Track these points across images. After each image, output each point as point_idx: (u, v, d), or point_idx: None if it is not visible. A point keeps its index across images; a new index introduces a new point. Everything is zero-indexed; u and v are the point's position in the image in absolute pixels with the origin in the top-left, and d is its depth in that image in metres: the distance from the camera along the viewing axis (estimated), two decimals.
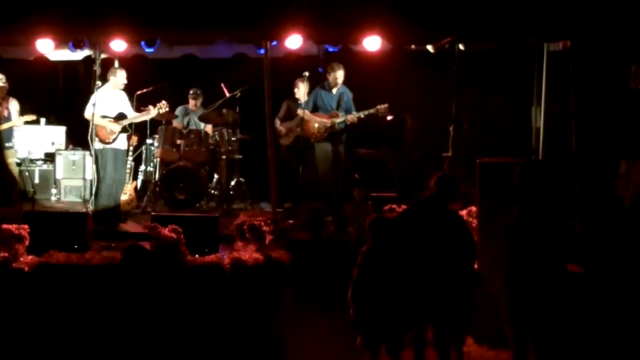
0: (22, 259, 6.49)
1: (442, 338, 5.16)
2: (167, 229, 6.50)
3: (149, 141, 9.83)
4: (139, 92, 9.29)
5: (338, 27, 7.39)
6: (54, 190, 10.27)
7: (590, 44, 6.72)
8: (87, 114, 8.42)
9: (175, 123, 9.86)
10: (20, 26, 7.47)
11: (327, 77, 8.80)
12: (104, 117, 8.48)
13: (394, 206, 7.15)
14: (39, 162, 10.41)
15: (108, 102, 8.57)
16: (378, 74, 9.07)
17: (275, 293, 6.40)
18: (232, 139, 9.69)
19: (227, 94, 9.70)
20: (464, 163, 7.68)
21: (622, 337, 5.44)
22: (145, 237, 6.74)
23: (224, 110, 9.60)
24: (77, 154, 10.29)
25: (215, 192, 9.63)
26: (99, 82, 8.57)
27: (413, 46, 8.63)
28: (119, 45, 7.93)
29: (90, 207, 8.44)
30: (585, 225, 6.11)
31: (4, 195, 8.76)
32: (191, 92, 10.05)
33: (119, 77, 8.63)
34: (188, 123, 10.00)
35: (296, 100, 9.37)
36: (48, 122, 10.78)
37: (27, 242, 6.61)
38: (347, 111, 8.73)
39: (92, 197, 8.62)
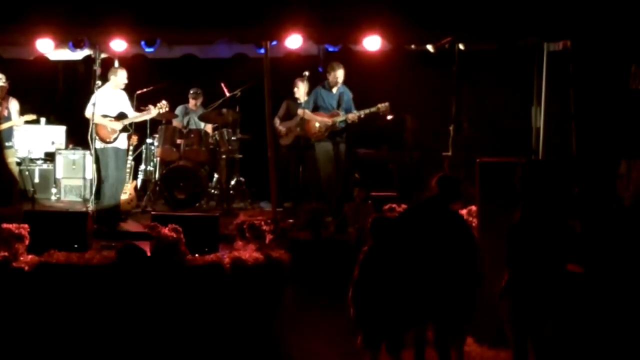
0: (22, 258, 6.48)
1: (442, 338, 5.16)
2: (167, 228, 6.50)
3: (149, 141, 9.84)
4: (139, 92, 9.30)
5: (338, 27, 7.39)
6: (54, 190, 10.28)
7: (590, 44, 6.71)
8: (88, 113, 8.43)
9: (175, 123, 9.87)
10: (20, 26, 7.47)
11: (327, 76, 8.80)
12: (105, 116, 8.49)
13: (394, 206, 7.15)
14: (39, 162, 10.42)
15: (109, 101, 8.58)
16: (378, 73, 9.07)
17: (275, 293, 6.40)
18: (232, 138, 9.70)
19: (227, 94, 9.71)
20: (464, 163, 7.68)
21: (622, 337, 5.44)
22: (145, 236, 6.75)
23: (224, 110, 9.61)
24: (77, 154, 10.30)
25: (215, 192, 9.63)
26: (99, 82, 8.57)
27: (413, 46, 8.63)
28: (119, 45, 7.93)
29: (91, 207, 8.45)
30: (585, 225, 6.11)
31: (4, 195, 8.77)
32: (191, 91, 10.06)
33: (119, 77, 8.64)
34: (188, 123, 10.01)
35: (296, 100, 9.38)
36: (48, 122, 10.79)
37: (27, 242, 6.61)
38: (347, 110, 8.73)
39: (92, 196, 8.64)
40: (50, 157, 10.48)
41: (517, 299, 4.79)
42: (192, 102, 10.08)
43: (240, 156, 9.85)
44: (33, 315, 6.23)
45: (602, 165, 6.57)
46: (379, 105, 8.53)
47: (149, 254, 6.54)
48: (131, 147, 9.18)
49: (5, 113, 8.94)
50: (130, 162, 9.25)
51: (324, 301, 6.13)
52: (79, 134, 9.80)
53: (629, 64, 6.61)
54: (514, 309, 4.80)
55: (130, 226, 8.46)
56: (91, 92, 8.56)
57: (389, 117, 9.55)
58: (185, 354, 6.10)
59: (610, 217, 6.38)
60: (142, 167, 9.98)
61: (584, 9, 6.71)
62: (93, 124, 8.38)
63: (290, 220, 7.61)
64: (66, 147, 10.52)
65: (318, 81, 9.01)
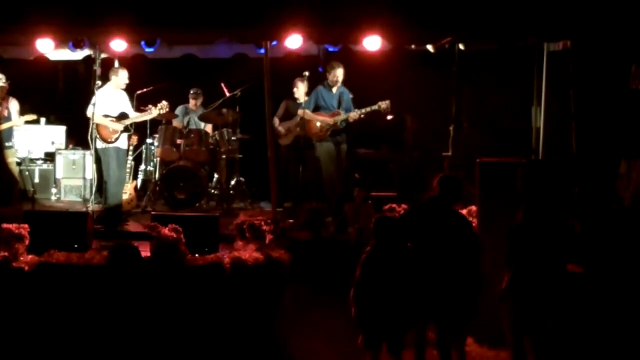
0: (22, 258, 6.48)
1: (444, 338, 5.15)
2: (167, 228, 6.50)
3: (149, 141, 9.84)
4: (139, 92, 9.30)
5: (338, 27, 7.39)
6: (54, 190, 10.28)
7: (590, 44, 6.71)
8: (90, 113, 8.44)
9: (176, 123, 9.87)
10: (20, 26, 7.47)
11: (327, 75, 8.80)
12: (106, 116, 8.50)
13: (394, 206, 7.15)
14: (39, 162, 10.42)
15: (110, 101, 8.60)
16: (378, 73, 9.07)
17: (275, 292, 6.40)
18: (232, 138, 9.70)
19: (227, 94, 9.71)
20: (464, 163, 7.68)
21: (622, 337, 5.44)
22: (145, 236, 6.75)
23: (224, 110, 9.61)
24: (77, 154, 10.30)
25: (215, 192, 9.64)
26: (99, 82, 8.58)
27: (413, 46, 8.62)
28: (119, 45, 7.93)
29: (90, 207, 8.45)
30: (585, 225, 6.11)
31: (4, 195, 8.77)
32: (191, 91, 10.06)
33: (120, 77, 8.65)
34: (188, 123, 10.01)
35: (295, 99, 9.38)
36: (48, 122, 10.80)
37: (27, 242, 6.61)
38: (347, 110, 8.73)
39: (92, 196, 8.65)
40: (50, 157, 10.48)
41: (517, 299, 4.78)
42: (192, 102, 10.09)
43: (240, 156, 9.85)
44: (33, 315, 6.23)
45: (602, 165, 6.56)
46: (380, 103, 8.53)
47: (148, 254, 6.55)
48: (131, 147, 9.18)
49: (5, 113, 8.95)
50: (130, 162, 9.25)
51: (324, 301, 6.13)
52: (79, 134, 9.81)
53: (629, 64, 6.61)
54: (514, 308, 4.80)
55: (130, 226, 8.46)
56: (91, 92, 8.57)
57: (389, 117, 9.55)
58: (185, 354, 6.09)
59: (610, 217, 6.37)
60: (142, 167, 9.98)
61: (584, 9, 6.71)
62: (93, 123, 8.39)
63: (290, 220, 7.61)
64: (66, 147, 10.53)
65: (318, 81, 9.01)
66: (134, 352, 6.04)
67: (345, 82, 8.86)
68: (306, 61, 9.36)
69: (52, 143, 10.55)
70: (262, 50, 7.74)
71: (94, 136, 8.43)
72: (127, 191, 9.09)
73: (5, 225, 6.62)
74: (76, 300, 6.27)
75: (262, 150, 7.77)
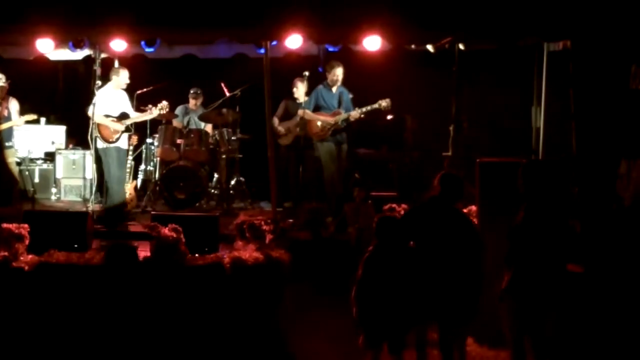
0: (22, 258, 6.48)
1: (446, 338, 5.15)
2: (167, 228, 6.50)
3: (149, 140, 9.84)
4: (139, 92, 9.30)
5: (338, 27, 7.39)
6: (54, 190, 10.28)
7: (590, 44, 6.71)
8: (91, 113, 8.44)
9: (176, 122, 9.87)
10: (20, 26, 7.47)
11: (327, 75, 8.80)
12: (108, 116, 8.50)
13: (394, 206, 7.15)
14: (39, 162, 10.43)
15: (111, 101, 8.60)
16: (378, 73, 9.07)
17: (275, 292, 6.40)
18: (232, 138, 9.71)
19: (227, 94, 9.71)
20: (464, 163, 7.68)
21: (622, 337, 5.44)
22: (146, 236, 6.75)
23: (224, 110, 9.61)
24: (77, 154, 10.30)
25: (215, 192, 9.64)
26: (99, 82, 8.58)
27: (413, 46, 8.63)
28: (119, 45, 7.93)
29: (90, 207, 8.46)
30: (585, 225, 6.11)
31: (4, 195, 8.78)
32: (191, 91, 10.06)
33: (121, 77, 8.66)
34: (188, 122, 10.01)
35: (295, 99, 9.38)
36: (48, 122, 10.80)
37: (27, 242, 6.61)
38: (348, 110, 8.73)
39: (92, 196, 8.65)
40: (50, 157, 10.49)
41: (517, 298, 4.78)
42: (192, 102, 10.09)
43: (240, 156, 9.86)
44: (33, 315, 6.23)
45: (602, 165, 6.56)
46: (380, 102, 8.53)
47: (148, 254, 6.55)
48: (131, 147, 9.18)
49: (5, 113, 8.95)
50: (130, 162, 9.25)
51: (324, 301, 6.13)
52: (79, 134, 9.82)
53: (629, 64, 6.61)
54: (514, 308, 4.80)
55: (130, 226, 8.45)
56: (91, 92, 8.57)
57: (389, 117, 9.55)
58: (185, 353, 6.09)
59: (610, 217, 6.37)
60: (142, 167, 9.98)
61: (584, 9, 6.71)
62: (93, 123, 8.40)
63: (290, 220, 7.60)
64: (66, 147, 10.53)
65: (318, 81, 9.01)
66: (133, 352, 6.04)
67: (345, 82, 8.86)
68: (306, 61, 9.36)
69: (52, 143, 10.55)
70: (262, 50, 7.75)
71: (94, 136, 8.43)
72: (127, 191, 9.08)
73: (5, 225, 6.61)
74: (76, 300, 6.26)
75: (262, 150, 7.77)
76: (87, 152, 9.71)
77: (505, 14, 7.03)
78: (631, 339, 5.41)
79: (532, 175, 4.90)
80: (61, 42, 8.01)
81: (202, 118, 9.83)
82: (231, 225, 7.13)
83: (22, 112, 9.23)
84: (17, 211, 7.73)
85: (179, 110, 10.02)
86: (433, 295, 5.04)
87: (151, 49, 7.92)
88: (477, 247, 5.12)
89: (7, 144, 8.98)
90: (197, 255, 6.59)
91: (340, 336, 5.57)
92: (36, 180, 10.20)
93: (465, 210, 6.69)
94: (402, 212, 6.77)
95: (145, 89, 9.40)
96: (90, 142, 8.49)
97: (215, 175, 9.73)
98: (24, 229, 6.64)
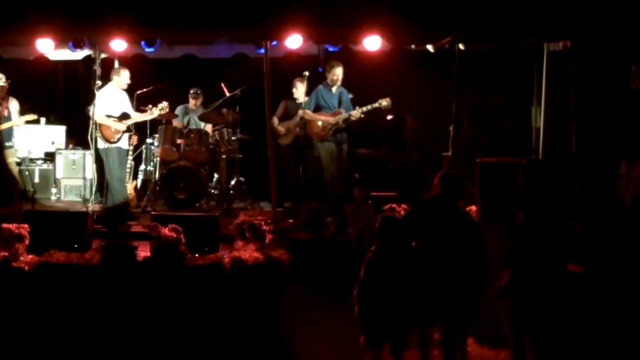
0: (22, 258, 6.49)
1: (449, 338, 5.14)
2: (167, 228, 6.50)
3: (149, 140, 9.84)
4: (139, 92, 9.30)
5: (338, 27, 7.39)
6: (54, 190, 10.28)
7: (590, 44, 6.71)
8: (94, 113, 8.44)
9: (176, 122, 9.87)
10: (20, 26, 7.47)
11: (327, 75, 8.80)
12: (109, 116, 8.50)
13: (394, 206, 7.15)
14: (39, 162, 10.43)
15: (112, 101, 8.61)
16: (378, 73, 9.07)
17: (275, 292, 6.40)
18: (232, 138, 9.71)
19: (227, 94, 9.71)
20: (464, 163, 7.68)
21: (622, 337, 5.44)
22: (146, 236, 6.75)
23: (224, 110, 9.61)
24: (77, 154, 10.30)
25: (215, 192, 9.64)
26: (99, 82, 8.58)
27: (413, 46, 8.62)
28: (119, 45, 7.93)
29: (90, 207, 8.46)
30: (585, 225, 6.11)
31: (4, 195, 8.78)
32: (191, 91, 10.06)
33: (122, 77, 8.66)
34: (188, 122, 10.01)
35: (294, 100, 9.38)
36: (48, 122, 10.79)
37: (27, 242, 6.62)
38: (348, 110, 8.73)
39: (92, 196, 8.66)
40: (50, 157, 10.48)
41: (517, 298, 4.79)
42: (192, 102, 10.08)
43: (240, 156, 9.85)
44: (33, 315, 6.23)
45: (602, 165, 6.56)
46: (381, 101, 8.52)
47: (148, 254, 6.55)
48: (131, 147, 9.18)
49: (5, 113, 8.96)
50: (130, 162, 9.25)
51: (324, 301, 6.13)
52: (79, 134, 9.82)
53: (629, 64, 6.61)
54: (514, 308, 4.80)
55: (131, 226, 8.45)
56: (91, 92, 8.57)
57: (389, 117, 9.55)
58: (185, 353, 6.10)
59: (610, 217, 6.37)
60: (142, 167, 9.98)
61: (584, 9, 6.71)
62: (93, 123, 8.41)
63: (290, 220, 7.61)
64: (66, 147, 10.52)
65: (318, 81, 9.01)
66: (133, 352, 6.04)
67: (345, 82, 8.86)
68: (306, 61, 9.35)
69: (52, 143, 10.55)
70: (262, 50, 7.74)
71: (94, 136, 8.44)
72: (127, 191, 9.08)
73: (5, 225, 6.62)
74: (76, 301, 6.27)
75: (262, 150, 7.77)
76: (87, 152, 9.71)
77: (505, 14, 7.03)
78: (631, 339, 5.41)
79: (532, 175, 4.91)
80: (61, 42, 8.01)
81: (202, 118, 9.83)
82: (231, 225, 7.13)
83: (22, 112, 9.24)
84: (17, 211, 7.73)
85: (179, 110, 10.02)
86: (436, 295, 5.03)
87: (151, 49, 7.91)
88: (479, 245, 5.11)
89: (7, 144, 8.98)
90: (197, 255, 6.60)
91: (340, 336, 5.57)
92: (36, 180, 10.20)
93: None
94: (402, 212, 6.78)
95: (145, 89, 9.40)
96: (90, 142, 8.49)
97: (215, 175, 9.73)
98: (24, 229, 6.65)
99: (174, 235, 6.46)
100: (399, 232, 5.09)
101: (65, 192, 10.26)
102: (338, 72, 8.72)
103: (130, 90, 8.96)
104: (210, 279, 6.36)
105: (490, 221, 5.81)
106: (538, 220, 4.79)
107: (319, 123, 8.75)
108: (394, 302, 4.95)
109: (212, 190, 9.66)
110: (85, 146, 9.33)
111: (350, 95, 8.89)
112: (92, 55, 8.84)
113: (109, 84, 8.67)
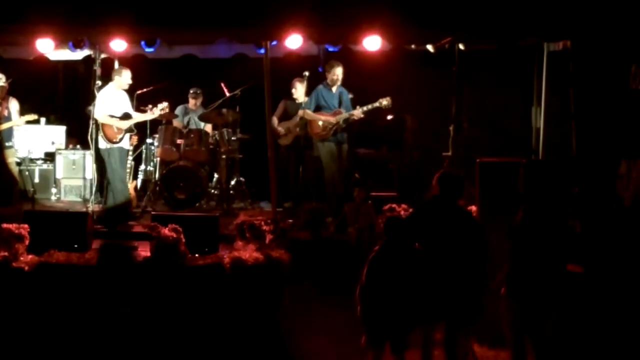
0: (22, 258, 6.50)
1: (452, 338, 5.14)
2: (167, 228, 6.50)
3: (149, 141, 9.84)
4: (139, 92, 9.30)
5: (338, 27, 7.40)
6: (54, 190, 10.28)
7: (590, 44, 6.72)
8: (97, 113, 8.46)
9: (176, 123, 9.87)
10: (20, 26, 7.48)
11: (327, 74, 8.80)
12: (112, 116, 8.51)
13: (394, 206, 7.15)
14: (39, 162, 10.42)
15: (113, 101, 8.61)
16: (378, 74, 9.07)
17: (275, 292, 6.40)
18: (232, 138, 9.70)
19: (227, 94, 9.71)
20: (464, 163, 7.68)
21: (622, 337, 5.44)
22: (146, 236, 6.75)
23: (224, 110, 9.60)
24: (77, 154, 10.30)
25: (215, 192, 9.63)
26: (99, 82, 8.58)
27: (413, 46, 8.63)
28: (119, 45, 7.94)
29: (90, 207, 8.46)
30: (585, 225, 6.11)
31: (4, 195, 8.78)
32: (191, 91, 10.06)
33: (124, 77, 8.65)
34: (188, 122, 10.01)
35: (294, 100, 9.37)
36: (48, 122, 10.79)
37: (27, 242, 6.62)
38: (348, 109, 8.73)
39: (92, 196, 8.66)
40: (50, 157, 10.48)
41: (517, 298, 4.79)
42: (192, 102, 10.08)
43: (240, 156, 9.85)
44: (33, 315, 6.23)
45: (602, 165, 6.57)
46: (381, 100, 8.52)
47: (148, 254, 6.55)
48: (131, 147, 9.18)
49: (6, 113, 8.95)
50: (130, 162, 9.25)
51: (324, 301, 6.14)
52: (79, 134, 9.82)
53: (629, 64, 6.61)
54: (514, 308, 4.80)
55: (131, 226, 8.45)
56: (91, 92, 8.57)
57: (389, 117, 9.54)
58: (185, 353, 6.10)
59: (610, 217, 6.38)
60: (142, 167, 9.98)
61: (584, 9, 6.72)
62: (93, 123, 8.41)
63: (290, 220, 7.61)
64: (66, 147, 10.52)
65: (318, 81, 9.01)
66: (133, 352, 6.04)
67: (345, 82, 8.86)
68: (306, 61, 9.35)
69: (52, 143, 10.54)
70: (262, 50, 7.75)
71: (94, 136, 8.44)
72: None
73: (5, 225, 6.62)
74: (76, 301, 6.27)
75: (262, 150, 7.78)
76: (87, 152, 9.71)
77: (505, 14, 7.03)
78: (631, 339, 5.41)
79: (532, 175, 4.91)
80: (61, 42, 8.01)
81: (202, 118, 9.83)
82: (231, 225, 7.14)
83: (22, 112, 9.23)
84: (17, 211, 7.74)
85: (179, 110, 10.01)
86: (439, 295, 5.03)
87: (151, 49, 7.92)
88: (482, 245, 5.10)
89: (7, 144, 8.98)
90: (197, 255, 6.60)
91: (340, 336, 5.57)
92: (36, 180, 10.20)
93: None
94: (402, 212, 6.78)
95: (145, 89, 9.40)
96: (90, 142, 8.49)
97: (215, 176, 9.73)
98: (24, 229, 6.65)
99: (174, 236, 6.46)
100: (405, 232, 5.08)
101: (65, 192, 10.25)
102: (338, 72, 8.72)
103: (130, 90, 8.95)
104: (210, 279, 6.37)
105: (490, 221, 5.80)
106: (538, 220, 4.79)
107: (320, 123, 8.75)
108: (396, 302, 4.94)
109: (212, 191, 9.65)
110: (86, 146, 9.33)
111: (350, 95, 8.90)
112: (92, 55, 8.84)
113: (110, 84, 8.67)
